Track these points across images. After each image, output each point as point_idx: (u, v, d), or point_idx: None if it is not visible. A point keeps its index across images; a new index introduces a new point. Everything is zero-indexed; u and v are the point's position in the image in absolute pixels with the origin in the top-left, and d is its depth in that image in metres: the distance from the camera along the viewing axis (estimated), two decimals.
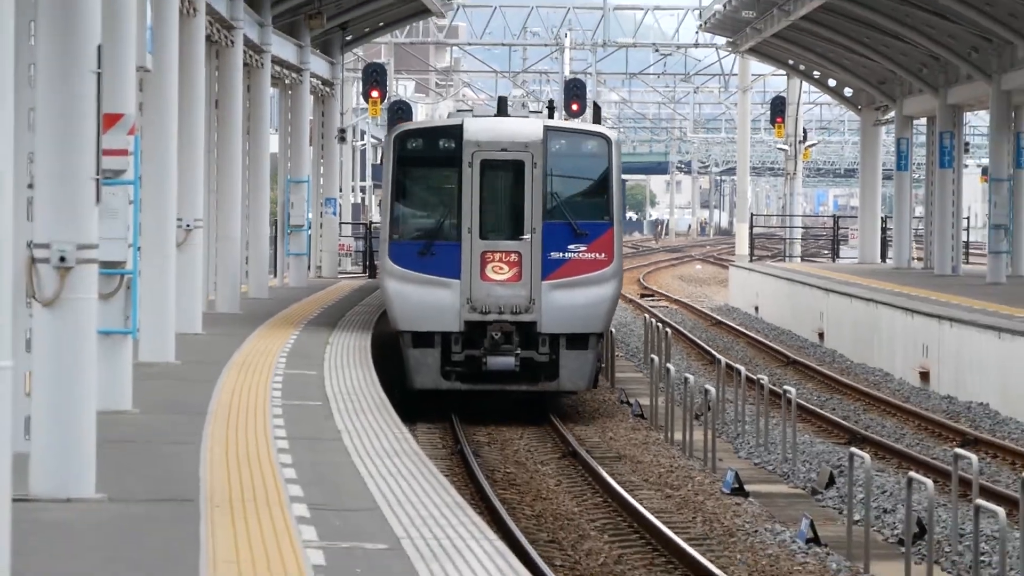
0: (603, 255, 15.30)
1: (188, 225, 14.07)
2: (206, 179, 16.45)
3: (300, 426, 8.85)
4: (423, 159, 15.92)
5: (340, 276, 27.24)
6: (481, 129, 15.56)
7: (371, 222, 31.02)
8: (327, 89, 26.49)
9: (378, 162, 39.40)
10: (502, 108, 16.44)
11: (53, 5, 5.96)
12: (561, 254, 15.21)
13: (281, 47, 21.47)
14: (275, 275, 24.75)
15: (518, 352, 15.08)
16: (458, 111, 19.08)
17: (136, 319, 9.08)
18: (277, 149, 26.33)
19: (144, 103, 11.07)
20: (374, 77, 27.15)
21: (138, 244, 9.01)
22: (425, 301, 15.05)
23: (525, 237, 15.18)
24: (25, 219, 6.03)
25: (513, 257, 15.13)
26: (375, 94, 26.71)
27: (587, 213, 15.55)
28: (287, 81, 23.81)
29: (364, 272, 28.25)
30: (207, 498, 6.17)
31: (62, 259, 5.92)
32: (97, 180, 5.86)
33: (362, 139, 37.62)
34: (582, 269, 15.28)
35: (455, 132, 15.53)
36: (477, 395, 15.82)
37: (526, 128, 15.70)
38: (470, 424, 15.29)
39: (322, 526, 5.56)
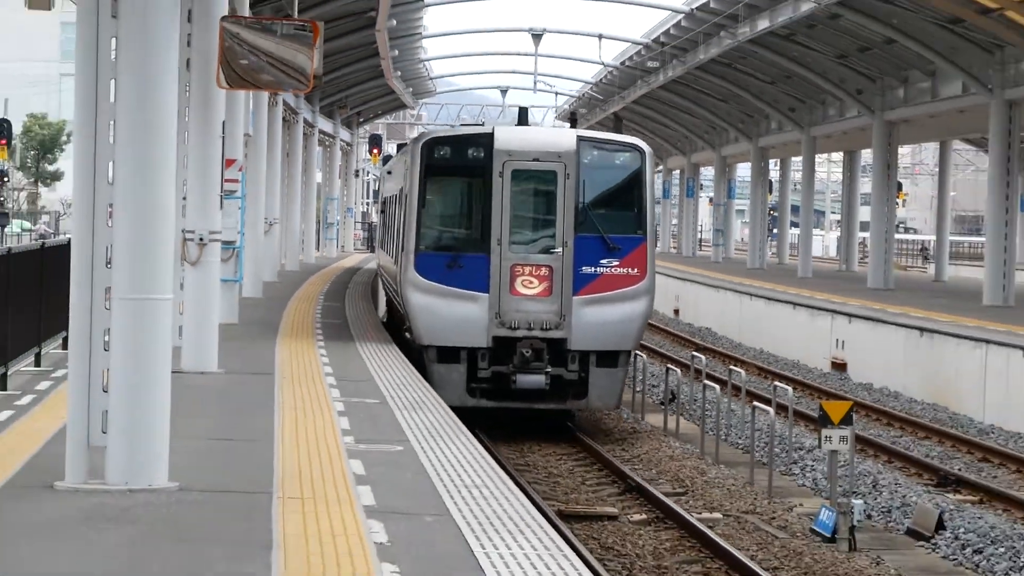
0: (636, 270, 14.33)
1: (270, 222, 23.56)
2: (280, 196, 27.59)
3: (331, 331, 16.07)
4: (451, 168, 14.75)
5: (355, 250, 47.25)
6: (513, 138, 14.45)
7: (371, 223, 53.17)
8: (348, 147, 47.03)
9: (375, 187, 57.81)
10: (523, 118, 16.11)
11: (197, 100, 10.50)
12: (593, 269, 14.24)
13: (324, 124, 38.33)
14: (318, 250, 40.21)
15: (548, 370, 14.05)
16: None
17: (241, 273, 16.32)
18: (320, 180, 44.21)
19: (248, 153, 18.00)
20: (375, 141, 48.29)
21: (243, 231, 16.12)
22: (452, 315, 14.09)
23: (556, 250, 14.15)
24: (181, 216, 10.47)
25: (544, 271, 14.14)
26: (375, 151, 46.54)
27: (620, 227, 14.47)
28: (327, 143, 42.24)
29: (366, 248, 49.44)
30: (279, 371, 11.48)
31: (201, 239, 10.68)
32: (221, 196, 10.63)
33: (367, 175, 63.04)
34: (614, 285, 14.31)
35: (485, 140, 14.33)
36: (500, 410, 14.63)
37: (559, 138, 14.92)
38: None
39: (344, 388, 10.79)
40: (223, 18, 10.27)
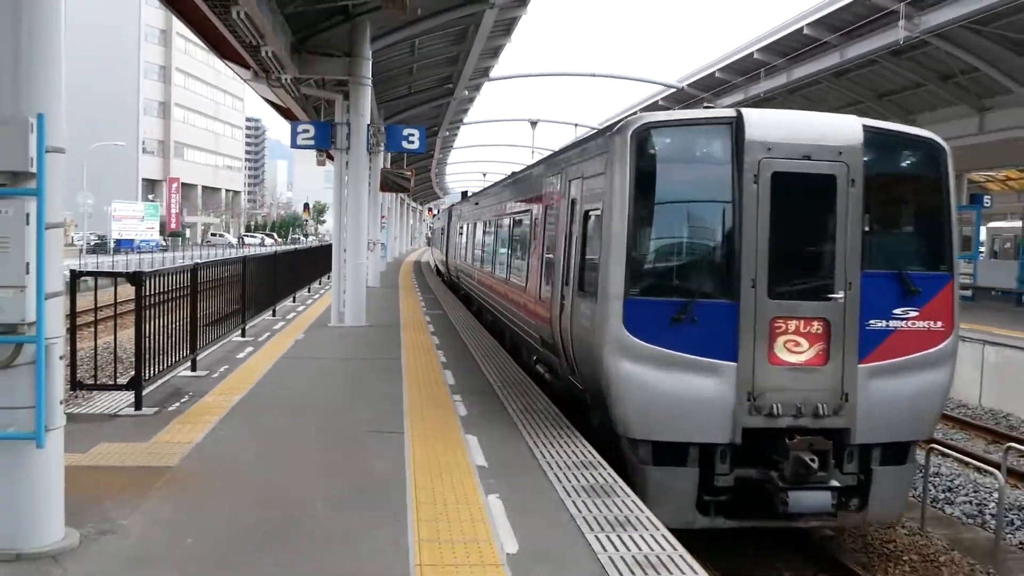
0: (940, 324, 9.44)
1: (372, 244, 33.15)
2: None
3: (426, 294, 24.57)
4: (678, 170, 9.49)
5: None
6: (770, 124, 9.30)
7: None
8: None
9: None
10: None
11: (352, 191, 23.80)
12: (884, 322, 9.32)
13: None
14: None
15: (834, 484, 8.97)
16: None
17: (387, 254, 32.72)
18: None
19: (385, 214, 27.80)
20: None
21: (386, 242, 31.65)
22: (679, 394, 8.97)
23: (836, 296, 9.16)
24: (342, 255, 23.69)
25: (817, 327, 9.14)
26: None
27: (918, 259, 9.60)
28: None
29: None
30: (401, 285, 24.61)
31: (371, 243, 23.89)
32: (369, 241, 23.89)
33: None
34: (912, 345, 9.39)
35: (730, 127, 9.31)
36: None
37: (836, 127, 9.34)
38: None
39: (425, 300, 24.78)
40: (382, 169, 23.76)
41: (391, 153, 35.54)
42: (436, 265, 42.96)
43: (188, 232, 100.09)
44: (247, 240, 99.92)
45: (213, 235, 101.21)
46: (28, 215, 5.60)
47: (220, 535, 6.46)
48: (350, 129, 19.29)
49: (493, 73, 31.80)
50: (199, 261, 13.68)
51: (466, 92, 32.07)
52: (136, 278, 10.32)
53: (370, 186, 22.36)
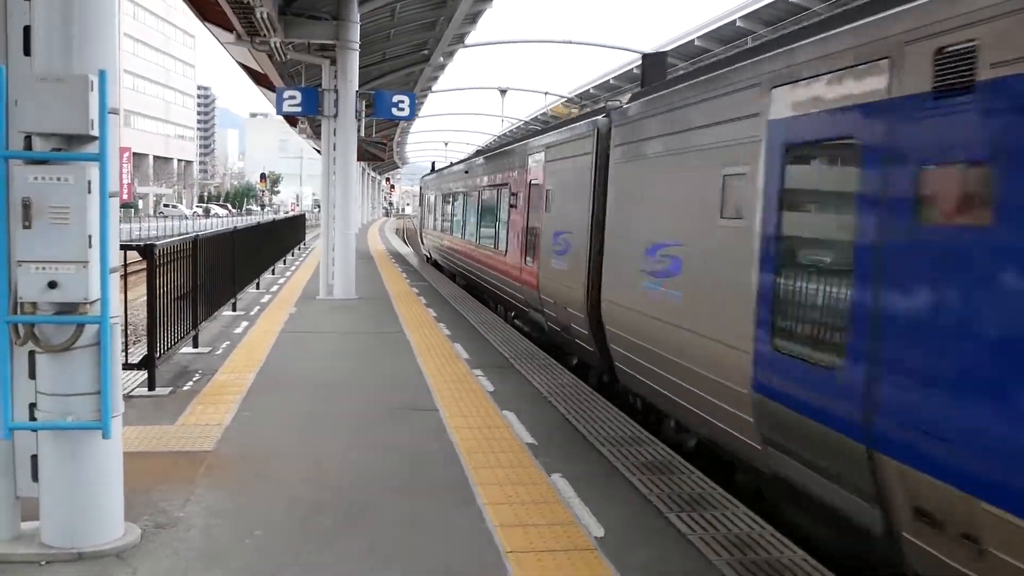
0: None
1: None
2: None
3: (404, 265, 24.37)
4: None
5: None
6: None
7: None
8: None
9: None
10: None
11: (340, 160, 23.14)
12: None
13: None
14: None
15: None
16: None
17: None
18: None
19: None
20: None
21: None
22: None
23: None
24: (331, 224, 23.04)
25: None
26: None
27: None
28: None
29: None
30: (375, 256, 24.04)
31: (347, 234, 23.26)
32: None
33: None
34: None
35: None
36: None
37: None
38: None
39: (405, 271, 24.28)
40: (360, 138, 23.12)
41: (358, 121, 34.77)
42: (422, 239, 34.33)
43: (140, 203, 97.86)
44: (216, 212, 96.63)
45: (166, 206, 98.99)
46: (90, 182, 5.09)
47: (286, 525, 6.05)
48: (338, 96, 18.66)
49: (469, 40, 31.16)
50: (199, 232, 13.08)
51: (441, 59, 31.38)
52: (148, 250, 9.77)
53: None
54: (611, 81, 40.81)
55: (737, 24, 27.69)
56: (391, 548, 5.69)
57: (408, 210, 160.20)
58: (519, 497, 6.68)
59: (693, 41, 30.62)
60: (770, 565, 5.52)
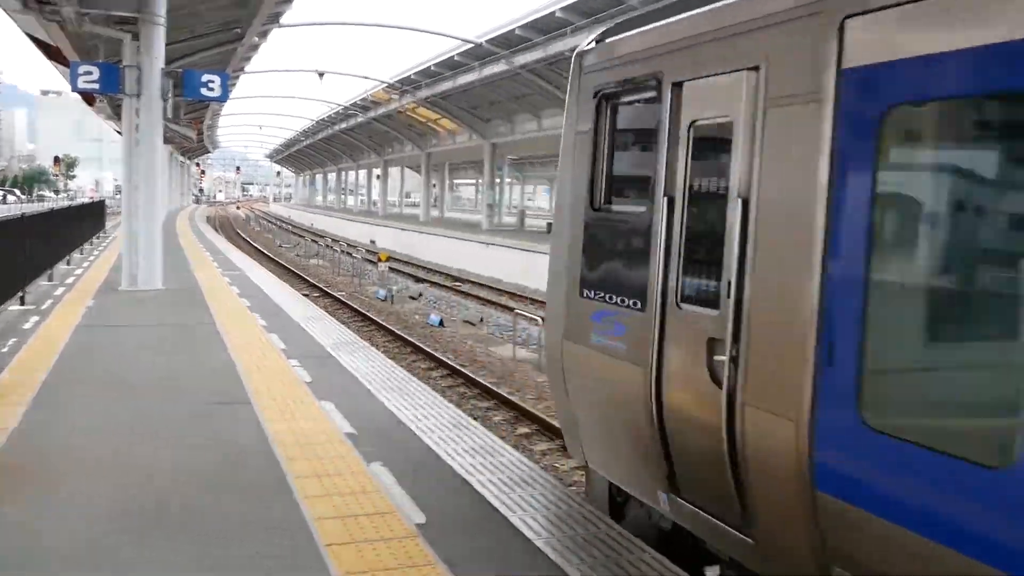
0: None
1: None
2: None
3: (215, 255, 23.69)
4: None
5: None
6: None
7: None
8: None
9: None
10: None
11: (145, 143, 21.70)
12: None
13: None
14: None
15: None
16: None
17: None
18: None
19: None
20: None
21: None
22: None
23: None
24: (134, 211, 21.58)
25: None
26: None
27: None
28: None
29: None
30: (184, 245, 22.64)
31: (152, 221, 21.85)
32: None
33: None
34: None
35: None
36: None
37: None
38: None
39: (217, 260, 23.03)
40: (166, 121, 21.67)
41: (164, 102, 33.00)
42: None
43: None
44: (9, 199, 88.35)
45: None
46: None
47: (89, 531, 5.44)
48: (141, 73, 17.46)
49: (284, 19, 30.04)
50: None
51: (256, 39, 30.11)
52: None
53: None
54: (432, 68, 40.44)
55: (557, 15, 28.00)
56: (202, 551, 5.24)
57: (221, 196, 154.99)
58: (337, 488, 6.41)
59: (514, 30, 30.75)
60: (587, 541, 5.57)
